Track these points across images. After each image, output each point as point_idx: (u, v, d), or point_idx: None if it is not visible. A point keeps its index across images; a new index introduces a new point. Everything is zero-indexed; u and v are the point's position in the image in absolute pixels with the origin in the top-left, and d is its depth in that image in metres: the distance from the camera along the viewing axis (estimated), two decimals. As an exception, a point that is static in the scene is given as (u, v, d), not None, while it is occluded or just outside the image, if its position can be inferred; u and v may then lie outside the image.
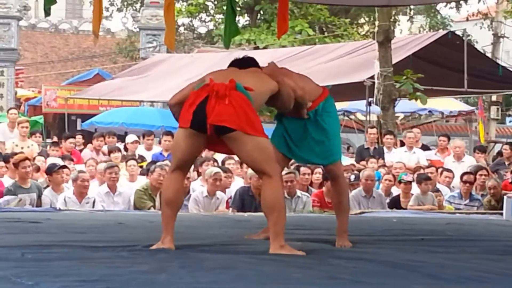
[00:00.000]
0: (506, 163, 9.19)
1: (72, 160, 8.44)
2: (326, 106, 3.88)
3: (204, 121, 3.30)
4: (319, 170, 7.86)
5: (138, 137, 10.22)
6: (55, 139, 10.88)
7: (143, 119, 14.36)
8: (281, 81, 3.58)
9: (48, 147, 9.86)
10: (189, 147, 3.41)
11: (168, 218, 3.45)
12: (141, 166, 8.26)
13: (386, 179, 7.86)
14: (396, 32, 18.70)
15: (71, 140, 9.66)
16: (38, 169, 7.67)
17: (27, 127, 9.51)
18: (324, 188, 7.37)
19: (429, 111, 16.52)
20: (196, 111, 3.31)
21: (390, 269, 3.03)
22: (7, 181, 7.14)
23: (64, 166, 7.34)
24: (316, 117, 3.83)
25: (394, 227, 5.29)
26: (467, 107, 18.19)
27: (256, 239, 3.93)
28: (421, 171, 8.21)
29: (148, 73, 14.23)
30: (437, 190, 7.64)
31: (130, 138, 9.94)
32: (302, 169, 7.72)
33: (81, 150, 9.68)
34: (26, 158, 6.95)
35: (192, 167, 7.87)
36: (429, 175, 7.88)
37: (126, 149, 9.84)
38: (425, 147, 10.42)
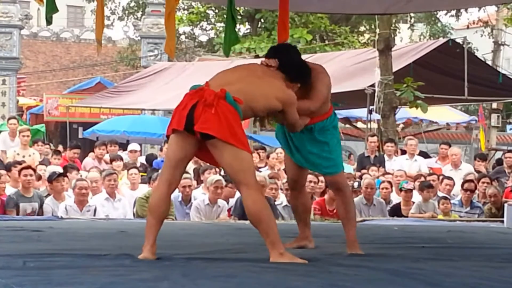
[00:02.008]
0: (507, 171, 9.18)
1: (75, 169, 8.41)
2: (326, 124, 3.89)
3: (192, 125, 3.38)
4: (321, 178, 7.86)
5: (140, 145, 10.25)
6: (59, 147, 10.86)
7: (144, 127, 14.39)
8: (290, 111, 3.59)
9: (50, 155, 9.85)
10: (181, 148, 3.45)
11: (149, 225, 3.46)
12: (142, 175, 8.29)
13: (383, 187, 7.89)
14: (396, 40, 18.75)
15: (76, 150, 9.68)
16: (39, 178, 7.68)
17: (28, 136, 9.53)
18: (326, 196, 7.38)
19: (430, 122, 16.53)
20: (188, 114, 3.38)
21: (391, 276, 3.03)
22: (9, 190, 7.15)
23: (64, 175, 7.36)
24: (312, 133, 3.87)
25: (395, 235, 5.29)
26: (467, 117, 18.19)
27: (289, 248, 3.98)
28: (422, 179, 8.23)
29: (150, 82, 14.26)
30: (445, 198, 7.62)
31: (130, 147, 9.97)
32: (308, 177, 7.75)
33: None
34: (29, 167, 6.96)
35: (193, 175, 7.91)
36: (431, 182, 7.91)
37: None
38: (424, 155, 10.42)
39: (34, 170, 7.13)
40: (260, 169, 8.60)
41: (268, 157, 9.66)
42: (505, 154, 9.72)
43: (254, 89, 3.50)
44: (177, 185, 3.63)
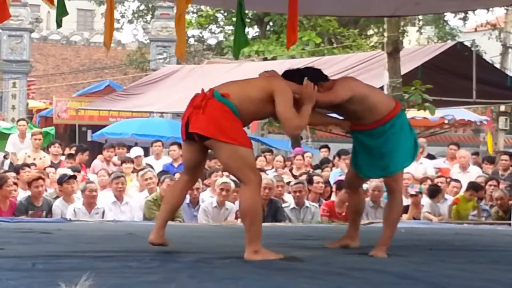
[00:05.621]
0: (500, 172, 9.16)
1: (79, 171, 8.44)
2: (384, 129, 3.96)
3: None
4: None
5: (148, 148, 10.24)
6: (69, 150, 10.83)
7: (153, 130, 14.42)
8: (279, 90, 3.55)
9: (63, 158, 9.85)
10: (189, 156, 3.68)
11: (160, 211, 3.79)
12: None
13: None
14: (404, 43, 18.68)
15: (87, 153, 9.72)
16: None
17: (40, 140, 9.56)
18: (335, 198, 7.38)
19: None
20: (186, 123, 3.55)
21: (398, 279, 3.04)
22: (20, 193, 7.18)
23: (75, 177, 7.39)
24: (372, 139, 3.95)
25: (402, 238, 5.29)
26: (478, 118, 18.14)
27: (332, 247, 4.13)
28: (428, 181, 8.23)
29: (158, 85, 14.31)
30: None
31: (133, 152, 9.61)
32: (315, 178, 7.78)
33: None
34: (40, 178, 6.90)
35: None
36: (439, 184, 7.93)
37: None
38: (431, 157, 10.41)
39: (43, 178, 7.09)
40: (266, 172, 8.61)
41: (273, 159, 9.69)
42: (501, 156, 9.68)
43: (243, 85, 3.62)
44: (194, 183, 3.92)
